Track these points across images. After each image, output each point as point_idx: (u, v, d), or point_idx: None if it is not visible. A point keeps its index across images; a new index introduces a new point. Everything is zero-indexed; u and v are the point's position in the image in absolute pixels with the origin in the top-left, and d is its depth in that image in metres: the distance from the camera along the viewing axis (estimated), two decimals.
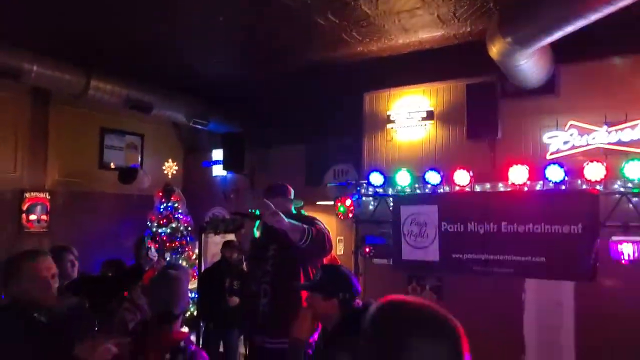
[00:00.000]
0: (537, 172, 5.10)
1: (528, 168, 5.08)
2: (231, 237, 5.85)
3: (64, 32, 5.78)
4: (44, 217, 7.40)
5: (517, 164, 5.12)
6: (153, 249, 3.55)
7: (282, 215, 3.04)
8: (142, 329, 2.31)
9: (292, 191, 3.62)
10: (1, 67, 5.66)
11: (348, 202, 6.10)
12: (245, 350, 4.62)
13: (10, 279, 2.28)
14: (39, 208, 7.37)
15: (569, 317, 5.12)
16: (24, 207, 7.24)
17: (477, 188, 5.58)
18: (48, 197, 7.48)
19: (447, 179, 5.59)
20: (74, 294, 3.17)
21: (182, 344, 2.20)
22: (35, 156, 7.44)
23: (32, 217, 7.30)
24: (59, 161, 7.69)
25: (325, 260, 3.56)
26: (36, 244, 7.13)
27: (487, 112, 5.67)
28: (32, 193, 7.33)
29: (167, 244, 7.22)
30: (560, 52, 5.25)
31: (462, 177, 5.45)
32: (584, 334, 5.02)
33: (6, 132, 7.13)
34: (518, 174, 5.12)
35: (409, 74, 6.33)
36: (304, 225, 3.12)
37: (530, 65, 4.90)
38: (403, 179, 5.72)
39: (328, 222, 7.44)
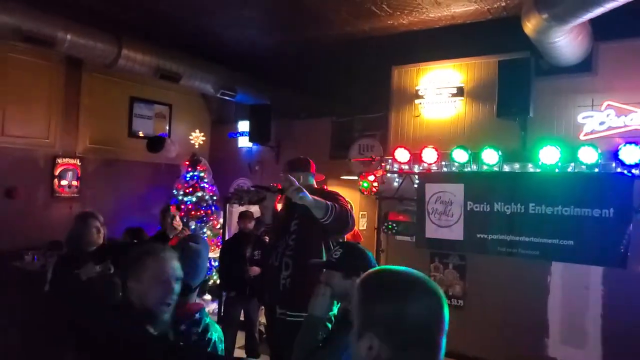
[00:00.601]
0: (570, 154, 4.94)
1: (560, 149, 4.93)
2: (247, 208, 5.92)
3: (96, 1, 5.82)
4: (74, 182, 7.59)
5: (548, 144, 4.97)
6: (177, 217, 3.59)
7: (305, 191, 3.02)
8: None
9: (314, 166, 3.60)
10: (37, 35, 5.75)
11: (372, 177, 6.05)
12: (266, 320, 4.70)
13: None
14: (70, 174, 7.55)
15: (596, 303, 5.02)
16: (56, 173, 7.43)
17: (506, 168, 5.46)
18: (79, 163, 7.66)
19: (475, 157, 5.47)
20: (100, 260, 3.28)
21: (197, 315, 2.22)
22: (68, 123, 7.60)
23: (64, 182, 7.49)
24: (89, 128, 7.84)
25: (347, 236, 3.57)
26: (67, 209, 7.36)
27: (519, 89, 5.47)
28: (63, 159, 7.51)
29: (192, 213, 7.34)
30: (600, 29, 5.01)
31: (490, 156, 5.32)
32: (611, 321, 4.92)
33: (40, 100, 7.29)
34: (549, 155, 4.97)
35: (440, 48, 6.17)
36: (328, 202, 3.09)
37: (566, 42, 4.70)
38: (429, 156, 5.63)
39: (351, 198, 7.44)
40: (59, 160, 7.47)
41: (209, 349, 2.18)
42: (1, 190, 6.74)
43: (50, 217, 7.25)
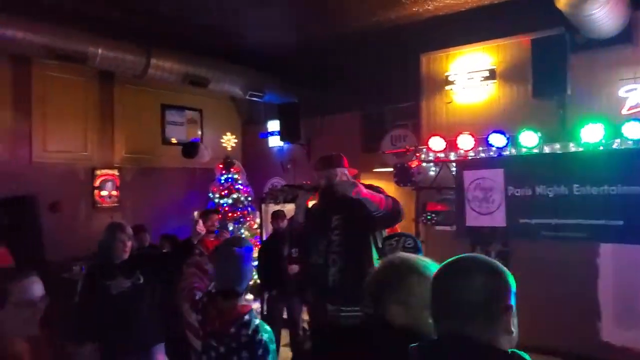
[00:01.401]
0: (613, 130, 4.74)
1: (603, 125, 4.73)
2: (283, 207, 5.96)
3: (122, 12, 5.92)
4: (114, 192, 7.77)
5: (590, 122, 4.78)
6: (200, 222, 3.63)
7: (357, 182, 3.05)
8: (208, 300, 2.33)
9: (347, 161, 3.59)
10: (68, 52, 5.93)
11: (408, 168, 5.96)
12: (309, 317, 4.69)
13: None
14: (109, 184, 7.73)
15: None
16: (96, 184, 7.62)
17: (546, 149, 5.28)
18: (117, 173, 7.83)
19: (513, 141, 5.32)
20: (129, 273, 3.40)
21: (246, 317, 2.22)
22: (104, 135, 7.78)
23: (104, 192, 7.67)
24: (125, 139, 8.00)
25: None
26: (108, 219, 7.53)
27: (555, 67, 5.28)
28: (102, 170, 7.69)
29: (229, 215, 7.40)
30: None
31: (529, 138, 5.16)
32: None
33: (77, 114, 7.49)
34: (592, 133, 4.78)
35: (468, 32, 6.02)
36: (381, 195, 3.14)
37: (603, 13, 4.49)
38: (466, 142, 5.50)
39: (386, 190, 7.36)
40: (98, 172, 7.65)
41: (260, 350, 2.17)
42: (46, 204, 6.93)
43: (93, 227, 7.42)
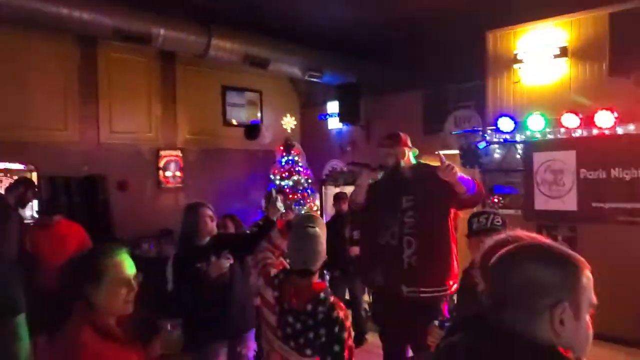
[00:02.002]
0: None
1: None
2: (342, 189, 5.97)
3: None
4: (178, 173, 7.99)
5: None
6: (279, 201, 3.59)
7: (453, 165, 3.04)
8: (284, 277, 2.36)
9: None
10: (134, 33, 6.08)
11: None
12: (372, 300, 4.72)
13: None
14: (172, 165, 7.95)
15: None
16: (160, 165, 7.85)
17: (620, 130, 5.04)
18: (180, 154, 8.04)
19: (586, 121, 5.10)
20: (218, 253, 3.30)
21: (322, 295, 2.23)
22: (167, 116, 7.97)
23: (168, 173, 7.90)
24: (187, 120, 8.18)
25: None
26: (173, 199, 7.79)
27: (634, 42, 5.00)
28: (166, 151, 7.91)
29: (290, 196, 7.50)
30: None
31: (604, 119, 4.94)
32: None
33: (141, 95, 7.69)
34: None
35: (537, 7, 5.74)
36: (469, 177, 3.18)
37: None
38: (536, 123, 5.31)
39: None
40: (162, 153, 7.87)
41: (336, 328, 2.19)
42: (115, 183, 7.22)
43: (158, 207, 7.70)
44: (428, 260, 3.24)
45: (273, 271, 2.47)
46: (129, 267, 1.92)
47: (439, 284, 3.26)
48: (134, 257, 1.99)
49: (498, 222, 2.37)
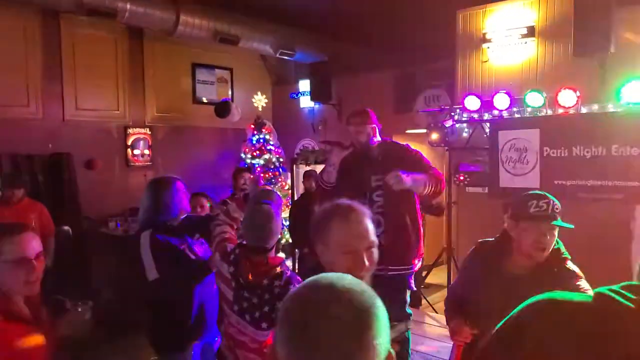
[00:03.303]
0: None
1: None
2: (313, 168, 5.97)
3: None
4: (146, 151, 7.88)
5: (633, 79, 4.62)
6: (247, 177, 3.52)
7: (403, 176, 3.03)
8: (240, 252, 2.33)
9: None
10: (99, 7, 5.92)
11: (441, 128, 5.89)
12: None
13: None
14: (141, 143, 7.84)
15: None
16: (129, 143, 7.73)
17: (583, 110, 5.14)
18: (149, 132, 7.93)
19: (550, 101, 5.19)
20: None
21: (278, 269, 2.24)
22: (135, 93, 7.83)
23: (136, 151, 7.79)
24: (156, 97, 8.05)
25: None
26: (141, 177, 7.69)
27: (598, 23, 5.07)
28: (134, 129, 7.79)
29: (261, 175, 7.47)
30: None
31: (567, 98, 5.02)
32: None
33: (108, 72, 7.53)
34: (634, 91, 4.63)
35: None
36: (425, 178, 3.18)
37: None
38: (502, 102, 5.38)
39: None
40: (130, 130, 7.75)
41: None
42: (82, 162, 7.08)
43: (127, 185, 7.60)
44: (397, 240, 3.28)
45: (229, 246, 2.44)
46: (30, 247, 1.81)
47: (406, 263, 3.34)
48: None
49: (557, 209, 2.05)
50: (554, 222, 2.03)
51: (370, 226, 1.74)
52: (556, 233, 2.08)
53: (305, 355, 0.84)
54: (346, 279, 0.92)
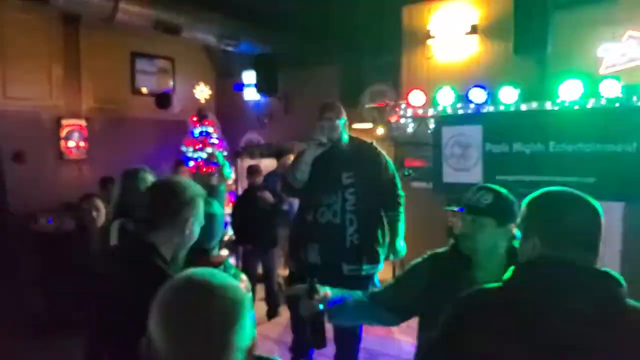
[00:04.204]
0: (590, 88, 4.77)
1: (581, 82, 4.75)
2: (258, 162, 5.85)
3: None
4: (82, 143, 7.49)
5: (569, 78, 4.79)
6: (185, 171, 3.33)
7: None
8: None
9: None
10: None
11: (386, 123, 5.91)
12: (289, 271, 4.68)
13: None
14: (76, 135, 7.45)
15: (616, 241, 4.96)
16: (62, 134, 7.32)
17: (524, 107, 5.29)
18: (84, 123, 7.54)
19: (492, 97, 5.31)
20: None
21: (221, 267, 2.15)
22: (70, 83, 7.44)
23: (71, 143, 7.39)
24: (92, 87, 7.68)
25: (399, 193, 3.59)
26: (76, 171, 7.29)
27: (536, 24, 5.24)
28: (68, 120, 7.38)
29: (203, 169, 7.26)
30: None
31: (508, 95, 5.15)
32: (631, 259, 4.86)
33: (40, 59, 7.12)
34: (570, 89, 4.80)
35: None
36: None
37: None
38: (445, 97, 5.45)
39: None
40: (64, 122, 7.35)
41: None
42: (8, 154, 6.65)
43: (60, 179, 7.20)
44: (369, 238, 3.23)
45: None
46: None
47: (378, 261, 3.29)
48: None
49: (486, 200, 1.89)
50: (456, 209, 2.00)
51: None
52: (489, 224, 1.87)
53: (178, 340, 0.96)
54: (220, 275, 1.05)
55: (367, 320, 2.20)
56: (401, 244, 3.39)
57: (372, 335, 4.00)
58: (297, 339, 3.59)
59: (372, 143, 3.46)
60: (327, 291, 1.92)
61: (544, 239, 1.35)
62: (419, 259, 2.07)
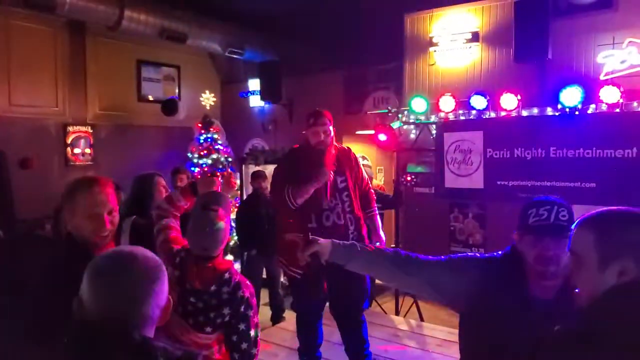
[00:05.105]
0: (591, 95, 4.83)
1: (581, 89, 4.80)
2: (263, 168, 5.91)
3: None
4: (87, 150, 7.58)
5: (570, 86, 4.84)
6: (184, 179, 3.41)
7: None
8: (185, 256, 2.20)
9: None
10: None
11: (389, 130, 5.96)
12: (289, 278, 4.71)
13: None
14: (82, 141, 7.53)
15: None
16: (68, 141, 7.41)
17: (524, 113, 5.35)
18: (90, 130, 7.62)
19: (493, 104, 5.37)
20: None
21: (226, 275, 2.16)
22: (76, 90, 7.52)
23: (77, 150, 7.48)
24: (98, 95, 7.76)
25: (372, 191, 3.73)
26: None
27: (536, 31, 5.31)
28: (74, 127, 7.47)
29: (209, 175, 7.33)
30: None
31: (509, 101, 5.20)
32: None
33: (46, 67, 7.20)
34: (571, 96, 4.85)
35: None
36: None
37: None
38: (447, 104, 5.52)
39: (367, 152, 7.39)
40: (70, 129, 7.44)
41: (242, 307, 2.14)
42: (15, 161, 6.72)
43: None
44: (361, 239, 3.41)
45: (174, 248, 2.27)
46: None
47: None
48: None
49: (564, 217, 1.70)
50: (556, 235, 1.65)
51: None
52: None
53: (103, 294, 1.18)
54: (143, 250, 1.29)
55: (387, 275, 2.00)
56: (383, 232, 3.67)
57: (377, 340, 4.04)
58: (303, 342, 3.63)
59: (348, 147, 3.63)
60: (326, 242, 1.97)
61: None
62: (473, 255, 1.97)
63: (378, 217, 3.70)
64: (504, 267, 1.81)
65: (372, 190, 3.73)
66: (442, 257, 1.95)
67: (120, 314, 1.17)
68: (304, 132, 3.45)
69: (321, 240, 1.96)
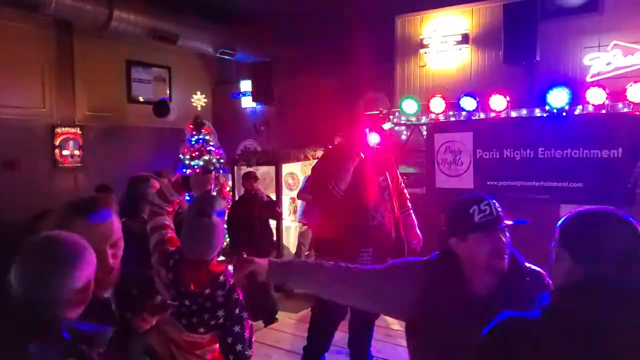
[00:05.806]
0: (577, 96, 4.92)
1: (568, 91, 4.90)
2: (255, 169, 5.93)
3: None
4: (76, 152, 7.51)
5: (557, 87, 4.94)
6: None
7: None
8: (179, 258, 2.16)
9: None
10: None
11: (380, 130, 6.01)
12: None
13: None
14: (71, 143, 7.47)
15: None
16: (56, 143, 7.33)
17: (513, 114, 5.43)
18: (79, 131, 7.55)
19: (483, 105, 5.44)
20: None
21: (221, 278, 2.14)
22: (63, 91, 7.45)
23: (65, 152, 7.41)
24: (87, 95, 7.69)
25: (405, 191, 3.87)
26: (71, 179, 7.30)
27: (525, 33, 5.40)
28: (62, 128, 7.40)
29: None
30: None
31: (498, 103, 5.29)
32: None
33: (32, 67, 7.12)
34: (558, 97, 4.95)
35: None
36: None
37: None
38: (437, 105, 5.58)
39: None
40: (58, 130, 7.36)
41: (237, 310, 2.15)
42: (1, 162, 6.64)
43: (55, 187, 7.20)
44: (402, 234, 3.46)
45: (169, 249, 2.21)
46: None
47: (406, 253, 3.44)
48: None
49: (499, 207, 1.76)
50: (506, 223, 1.73)
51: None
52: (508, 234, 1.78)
53: (28, 270, 1.30)
54: (72, 235, 1.39)
55: (328, 289, 1.92)
56: (419, 231, 3.68)
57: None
58: (316, 347, 3.64)
59: (387, 149, 3.77)
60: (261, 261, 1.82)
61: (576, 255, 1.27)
62: (413, 259, 1.94)
63: (413, 216, 3.70)
64: (442, 269, 1.80)
65: (405, 190, 3.78)
66: (382, 264, 1.94)
67: (33, 295, 1.29)
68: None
69: (257, 259, 1.81)
